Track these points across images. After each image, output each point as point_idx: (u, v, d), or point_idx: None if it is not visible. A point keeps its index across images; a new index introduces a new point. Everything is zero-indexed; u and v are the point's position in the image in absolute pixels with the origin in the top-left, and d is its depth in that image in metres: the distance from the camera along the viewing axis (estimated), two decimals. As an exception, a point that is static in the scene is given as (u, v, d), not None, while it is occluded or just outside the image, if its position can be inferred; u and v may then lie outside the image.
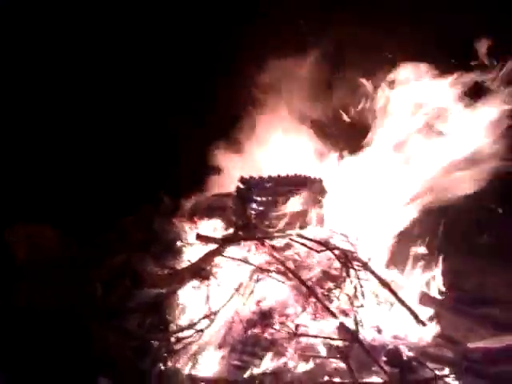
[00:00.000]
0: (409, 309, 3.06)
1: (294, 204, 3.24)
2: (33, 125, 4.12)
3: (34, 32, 4.16)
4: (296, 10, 4.00)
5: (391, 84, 3.53)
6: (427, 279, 3.27)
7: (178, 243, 3.30)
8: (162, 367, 2.74)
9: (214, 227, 3.36)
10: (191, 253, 3.24)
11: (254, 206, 3.23)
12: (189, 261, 3.17)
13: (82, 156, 4.12)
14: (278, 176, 3.33)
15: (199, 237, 3.26)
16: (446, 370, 2.80)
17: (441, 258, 3.25)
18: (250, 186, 3.28)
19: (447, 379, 2.75)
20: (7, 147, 3.94)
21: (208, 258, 3.16)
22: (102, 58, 4.26)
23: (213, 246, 3.19)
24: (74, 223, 3.51)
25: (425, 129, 3.45)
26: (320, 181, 3.35)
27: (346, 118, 3.80)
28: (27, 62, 4.14)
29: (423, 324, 3.03)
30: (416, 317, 3.03)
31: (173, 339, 2.85)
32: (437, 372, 2.76)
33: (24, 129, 4.08)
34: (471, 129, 3.34)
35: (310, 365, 2.75)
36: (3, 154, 3.90)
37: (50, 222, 3.46)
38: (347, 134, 3.80)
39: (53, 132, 4.13)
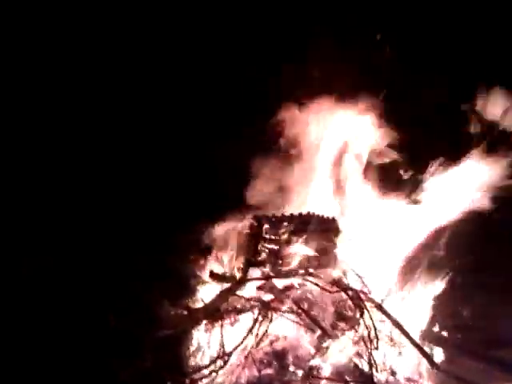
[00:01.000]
0: (422, 351, 3.04)
1: (308, 243, 3.26)
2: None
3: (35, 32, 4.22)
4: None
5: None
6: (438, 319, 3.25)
7: (192, 282, 3.32)
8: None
9: (228, 265, 3.38)
10: (206, 292, 3.26)
11: (267, 244, 3.26)
12: (201, 301, 3.19)
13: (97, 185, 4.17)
14: (292, 215, 3.35)
15: (212, 275, 3.29)
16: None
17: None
18: (263, 224, 3.31)
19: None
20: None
21: (222, 297, 3.19)
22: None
23: (226, 285, 3.22)
24: (90, 259, 3.57)
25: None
26: (334, 220, 3.37)
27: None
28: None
29: (437, 367, 3.01)
30: (430, 359, 3.02)
31: (187, 380, 2.84)
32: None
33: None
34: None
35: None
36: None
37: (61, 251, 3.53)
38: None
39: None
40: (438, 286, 3.30)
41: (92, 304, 3.24)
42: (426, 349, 3.06)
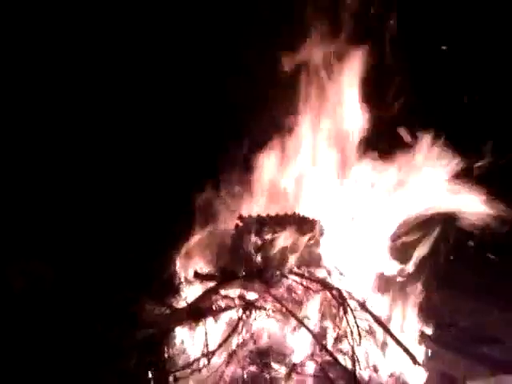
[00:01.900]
0: (405, 349, 3.06)
1: (293, 243, 3.28)
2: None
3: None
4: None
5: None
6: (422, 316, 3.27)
7: (177, 281, 3.32)
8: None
9: (212, 264, 3.38)
10: (190, 291, 3.26)
11: (252, 243, 3.27)
12: (185, 301, 3.19)
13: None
14: (277, 215, 3.38)
15: (197, 275, 3.29)
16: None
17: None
18: (248, 224, 3.33)
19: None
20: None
21: (205, 296, 3.19)
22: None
23: (211, 284, 3.23)
24: (72, 259, 3.55)
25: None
26: (318, 221, 3.40)
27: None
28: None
29: (419, 365, 3.03)
30: (412, 357, 3.03)
31: (171, 378, 2.83)
32: (435, 412, 2.75)
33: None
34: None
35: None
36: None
37: (49, 256, 3.50)
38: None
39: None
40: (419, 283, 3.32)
41: (77, 307, 3.23)
42: (409, 346, 3.08)
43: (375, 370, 2.99)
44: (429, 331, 3.25)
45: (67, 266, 3.44)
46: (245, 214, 3.42)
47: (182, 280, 3.32)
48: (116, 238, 3.73)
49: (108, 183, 4.20)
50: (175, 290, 3.29)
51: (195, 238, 3.42)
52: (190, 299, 3.18)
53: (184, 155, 4.29)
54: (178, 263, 3.40)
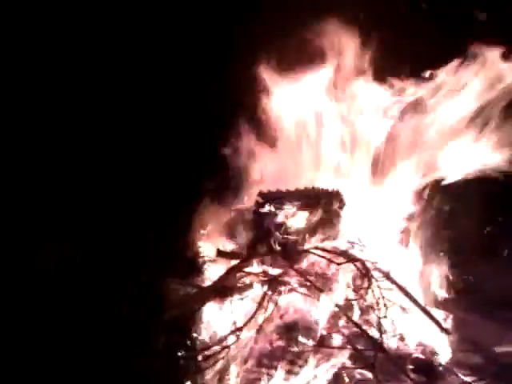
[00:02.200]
0: (431, 317, 3.06)
1: (314, 217, 3.27)
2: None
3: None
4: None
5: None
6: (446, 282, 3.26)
7: (200, 260, 3.34)
8: (191, 384, 2.77)
9: (235, 242, 3.39)
10: (214, 269, 3.28)
11: (273, 219, 3.26)
12: (209, 279, 3.21)
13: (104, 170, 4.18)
14: (297, 189, 3.36)
15: (220, 253, 3.31)
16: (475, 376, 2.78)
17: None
18: (269, 200, 3.32)
19: (477, 385, 2.74)
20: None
21: (229, 274, 3.21)
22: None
23: (234, 262, 3.24)
24: (96, 241, 3.58)
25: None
26: (338, 193, 3.37)
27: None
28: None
29: (447, 332, 3.03)
30: (439, 325, 3.03)
31: (200, 357, 2.88)
32: (465, 378, 2.75)
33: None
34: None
35: (335, 375, 2.77)
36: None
37: (73, 237, 3.54)
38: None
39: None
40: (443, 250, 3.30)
41: (103, 291, 3.27)
42: (435, 314, 3.07)
43: (402, 339, 2.99)
44: (455, 297, 3.24)
45: (93, 249, 3.47)
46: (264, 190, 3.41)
47: (206, 259, 3.33)
48: (139, 220, 3.75)
49: (131, 164, 4.20)
50: (199, 269, 3.32)
51: (217, 217, 3.42)
52: (215, 278, 3.21)
53: (207, 133, 4.25)
54: (201, 242, 3.41)
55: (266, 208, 3.31)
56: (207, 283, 3.23)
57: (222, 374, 2.81)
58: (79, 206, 4.04)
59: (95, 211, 4.03)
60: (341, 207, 3.40)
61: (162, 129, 4.35)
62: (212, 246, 3.39)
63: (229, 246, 3.38)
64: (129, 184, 4.12)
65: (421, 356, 2.90)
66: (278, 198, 3.35)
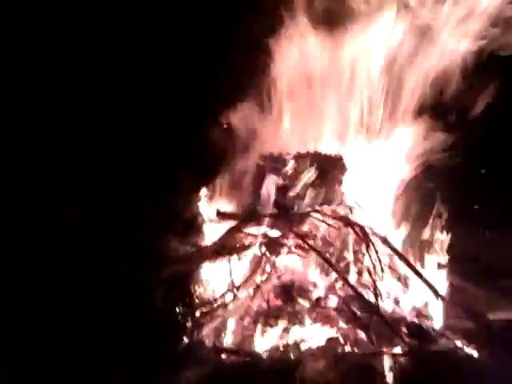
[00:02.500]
0: (427, 283, 3.09)
1: (314, 181, 3.27)
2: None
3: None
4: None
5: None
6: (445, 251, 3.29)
7: (200, 220, 3.35)
8: (188, 340, 2.82)
9: (235, 203, 3.40)
10: (213, 229, 3.30)
11: (274, 182, 3.27)
12: (208, 239, 3.23)
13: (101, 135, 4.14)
14: (298, 153, 3.35)
15: (219, 214, 3.32)
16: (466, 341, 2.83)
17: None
18: (270, 163, 3.31)
19: (467, 349, 2.79)
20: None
21: (228, 235, 3.23)
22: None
23: (233, 223, 3.26)
24: (96, 201, 3.58)
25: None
26: (340, 158, 3.37)
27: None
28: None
29: (442, 298, 3.07)
30: (435, 291, 3.07)
31: (197, 313, 2.92)
32: (457, 342, 2.81)
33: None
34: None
35: (331, 335, 2.82)
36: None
37: (74, 198, 3.54)
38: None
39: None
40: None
41: (104, 248, 3.29)
42: (431, 280, 3.11)
43: (397, 303, 3.04)
44: (451, 265, 3.28)
45: (94, 209, 3.47)
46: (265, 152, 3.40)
47: (205, 219, 3.35)
48: (139, 180, 3.73)
49: (131, 124, 4.15)
50: (198, 229, 3.33)
51: (217, 177, 3.42)
52: (214, 238, 3.24)
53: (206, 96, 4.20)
54: (201, 202, 3.42)
55: (267, 170, 3.31)
56: (207, 243, 3.25)
57: (219, 330, 2.86)
58: (79, 167, 4.02)
59: (95, 172, 4.01)
60: (342, 172, 3.40)
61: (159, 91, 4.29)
62: (212, 206, 3.39)
63: (228, 206, 3.38)
64: (128, 144, 4.09)
65: (414, 320, 2.95)
66: (279, 161, 3.35)
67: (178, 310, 2.98)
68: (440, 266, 3.19)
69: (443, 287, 3.13)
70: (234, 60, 4.04)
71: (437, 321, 3.02)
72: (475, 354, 2.78)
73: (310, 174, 3.30)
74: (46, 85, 4.06)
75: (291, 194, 3.29)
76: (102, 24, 4.13)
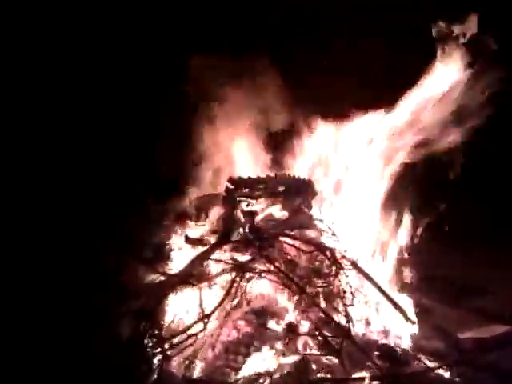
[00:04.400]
0: (397, 306, 3.10)
1: (284, 204, 3.26)
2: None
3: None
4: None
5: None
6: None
7: (168, 247, 3.29)
8: (158, 372, 2.73)
9: (204, 229, 3.35)
10: (181, 256, 3.24)
11: (244, 206, 3.24)
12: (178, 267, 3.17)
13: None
14: (267, 176, 3.35)
15: (188, 240, 3.27)
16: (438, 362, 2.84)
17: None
18: (239, 187, 3.29)
19: (439, 370, 2.79)
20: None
21: (197, 261, 3.17)
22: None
23: (202, 249, 3.21)
24: (59, 230, 3.49)
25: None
26: (310, 182, 3.38)
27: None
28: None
29: (412, 322, 3.08)
30: (405, 315, 3.08)
31: (167, 345, 2.84)
32: (429, 364, 2.81)
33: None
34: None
35: (302, 361, 2.78)
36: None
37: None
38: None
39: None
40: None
41: (66, 279, 3.19)
42: (401, 303, 3.12)
43: (369, 326, 3.03)
44: (420, 286, 3.30)
45: (56, 239, 3.38)
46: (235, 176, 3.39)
47: (173, 246, 3.29)
48: (104, 206, 3.67)
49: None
50: (167, 256, 3.27)
51: (185, 203, 3.38)
52: (182, 265, 3.17)
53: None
54: (169, 229, 3.36)
55: (236, 195, 3.29)
56: (175, 270, 3.18)
57: (190, 361, 2.78)
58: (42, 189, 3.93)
59: (59, 194, 3.92)
60: (312, 196, 3.40)
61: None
62: (180, 232, 3.34)
63: (197, 232, 3.34)
64: (92, 167, 4.03)
65: (386, 342, 2.94)
66: (248, 185, 3.33)
67: (146, 341, 2.89)
68: (408, 286, 3.21)
69: (413, 309, 3.14)
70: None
71: (408, 343, 3.01)
72: (446, 374, 2.77)
73: (280, 198, 3.29)
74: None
75: (261, 217, 3.27)
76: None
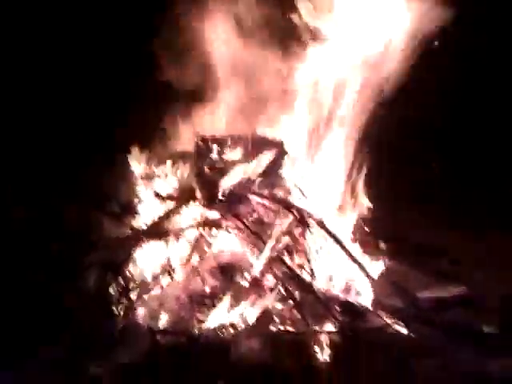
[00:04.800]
0: (360, 265, 3.18)
1: (255, 163, 3.28)
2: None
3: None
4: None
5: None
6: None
7: (136, 202, 3.30)
8: (124, 323, 2.77)
9: (172, 185, 3.36)
10: (149, 211, 3.25)
11: (214, 163, 3.25)
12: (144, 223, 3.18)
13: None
14: (239, 136, 3.35)
15: (157, 195, 3.27)
16: (396, 318, 2.94)
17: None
18: (210, 145, 3.29)
19: (396, 327, 2.89)
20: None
21: (166, 216, 3.19)
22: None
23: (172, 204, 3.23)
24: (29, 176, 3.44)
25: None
26: (281, 142, 3.39)
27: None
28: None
29: (372, 279, 3.17)
30: (366, 272, 3.16)
31: (133, 296, 2.87)
32: (387, 320, 2.91)
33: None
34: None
35: (265, 314, 2.85)
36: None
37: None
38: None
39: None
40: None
41: (32, 226, 3.17)
42: (363, 261, 3.21)
43: (331, 282, 3.11)
44: (383, 246, 3.39)
45: (21, 186, 3.34)
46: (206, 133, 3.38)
47: (143, 200, 3.29)
48: (72, 155, 3.62)
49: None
50: (135, 211, 3.27)
51: (155, 158, 3.36)
52: (151, 219, 3.19)
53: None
54: (139, 183, 3.35)
55: (207, 151, 3.29)
56: (143, 225, 3.20)
57: (156, 311, 2.82)
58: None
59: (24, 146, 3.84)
60: (282, 156, 3.43)
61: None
62: (150, 187, 3.34)
63: (167, 188, 3.34)
64: (59, 116, 3.93)
65: (347, 298, 3.04)
66: (219, 142, 3.33)
67: (112, 292, 2.92)
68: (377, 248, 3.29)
69: (373, 267, 3.23)
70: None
71: (367, 299, 3.11)
72: (403, 330, 2.89)
73: (250, 156, 3.30)
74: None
75: (230, 175, 3.29)
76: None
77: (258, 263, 3.02)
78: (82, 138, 3.78)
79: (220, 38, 3.48)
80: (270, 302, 2.89)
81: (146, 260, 3.07)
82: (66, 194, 3.30)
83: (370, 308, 3.02)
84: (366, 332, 2.84)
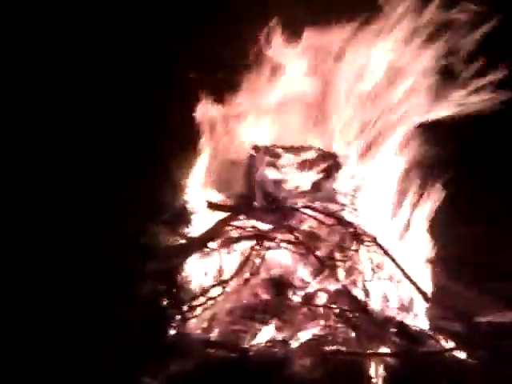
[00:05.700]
0: (415, 285, 3.07)
1: (308, 176, 3.23)
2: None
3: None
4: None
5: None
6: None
7: (189, 211, 3.28)
8: (175, 333, 2.75)
9: (226, 195, 3.34)
10: (202, 221, 3.23)
11: (267, 175, 3.21)
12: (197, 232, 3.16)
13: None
14: (292, 146, 3.31)
15: (210, 205, 3.25)
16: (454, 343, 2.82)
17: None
18: (263, 155, 3.26)
19: (454, 352, 2.77)
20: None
21: (219, 226, 3.17)
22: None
23: (223, 215, 3.20)
24: (79, 191, 3.48)
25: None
26: (335, 154, 3.33)
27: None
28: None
29: (430, 301, 3.05)
30: (423, 294, 3.05)
31: (185, 308, 2.85)
32: (445, 344, 2.80)
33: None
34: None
35: (319, 333, 2.78)
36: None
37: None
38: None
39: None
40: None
41: (89, 240, 3.19)
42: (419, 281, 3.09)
43: (386, 302, 3.01)
44: (440, 266, 3.26)
45: (77, 199, 3.37)
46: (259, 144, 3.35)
47: (195, 210, 3.27)
48: (127, 168, 3.65)
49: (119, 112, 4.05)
50: (188, 220, 3.26)
51: (207, 168, 3.35)
52: (203, 229, 3.17)
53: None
54: (191, 193, 3.34)
55: (260, 162, 3.26)
56: (196, 234, 3.17)
57: (208, 324, 2.79)
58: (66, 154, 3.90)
59: (81, 158, 3.89)
60: (336, 169, 3.36)
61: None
62: (202, 197, 3.32)
63: (219, 198, 3.32)
64: (112, 130, 3.98)
65: (403, 320, 2.93)
66: (272, 153, 3.30)
67: (164, 303, 2.91)
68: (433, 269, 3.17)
69: (430, 288, 3.12)
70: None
71: (424, 322, 3.00)
72: (463, 355, 2.76)
73: (304, 169, 3.26)
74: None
75: (284, 187, 3.25)
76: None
77: (313, 281, 2.95)
78: (137, 149, 3.80)
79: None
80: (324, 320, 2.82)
81: (197, 271, 3.05)
82: (121, 205, 3.31)
83: (428, 331, 2.91)
84: (422, 356, 2.74)
